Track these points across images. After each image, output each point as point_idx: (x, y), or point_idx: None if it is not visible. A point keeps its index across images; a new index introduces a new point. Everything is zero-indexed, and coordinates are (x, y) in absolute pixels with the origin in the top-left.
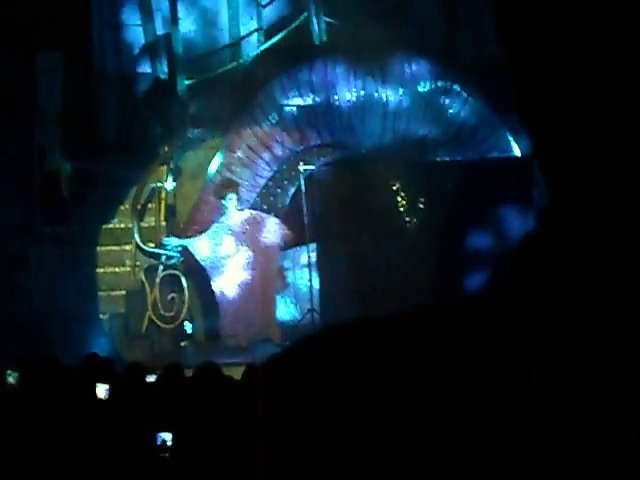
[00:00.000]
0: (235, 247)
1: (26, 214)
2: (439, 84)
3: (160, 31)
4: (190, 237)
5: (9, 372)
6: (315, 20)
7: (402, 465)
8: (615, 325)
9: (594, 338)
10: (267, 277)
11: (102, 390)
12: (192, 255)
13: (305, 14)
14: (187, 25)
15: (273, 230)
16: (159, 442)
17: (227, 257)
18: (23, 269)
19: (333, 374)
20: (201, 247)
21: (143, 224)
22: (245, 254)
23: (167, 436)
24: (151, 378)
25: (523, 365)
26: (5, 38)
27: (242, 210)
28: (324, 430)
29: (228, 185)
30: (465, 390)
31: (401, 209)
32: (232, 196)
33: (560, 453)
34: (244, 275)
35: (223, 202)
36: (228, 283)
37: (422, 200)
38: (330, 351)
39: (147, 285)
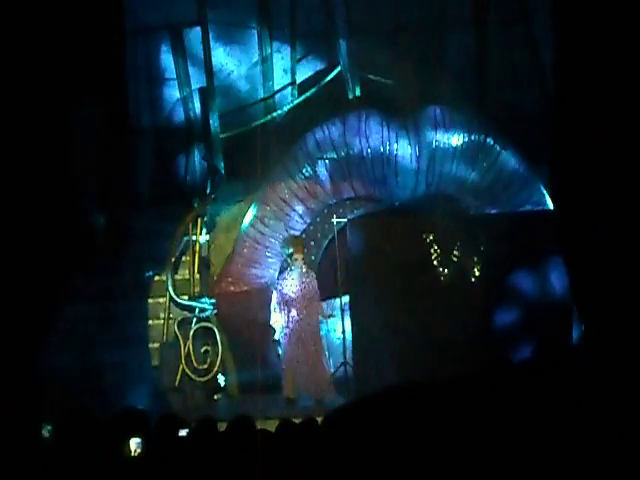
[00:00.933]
0: (294, 303)
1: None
2: (472, 137)
3: (195, 85)
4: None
5: (43, 425)
6: (349, 74)
7: None
8: None
9: None
10: (317, 333)
11: (134, 443)
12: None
13: (339, 68)
14: (221, 79)
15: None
16: None
17: (287, 311)
18: (58, 322)
19: (395, 437)
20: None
21: (177, 277)
22: (302, 309)
23: None
24: (183, 432)
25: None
26: (41, 91)
27: (307, 269)
28: None
29: (294, 243)
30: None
31: (434, 262)
32: (298, 256)
33: None
34: (299, 330)
35: (289, 259)
36: (285, 337)
37: (455, 253)
38: (391, 415)
39: (180, 338)
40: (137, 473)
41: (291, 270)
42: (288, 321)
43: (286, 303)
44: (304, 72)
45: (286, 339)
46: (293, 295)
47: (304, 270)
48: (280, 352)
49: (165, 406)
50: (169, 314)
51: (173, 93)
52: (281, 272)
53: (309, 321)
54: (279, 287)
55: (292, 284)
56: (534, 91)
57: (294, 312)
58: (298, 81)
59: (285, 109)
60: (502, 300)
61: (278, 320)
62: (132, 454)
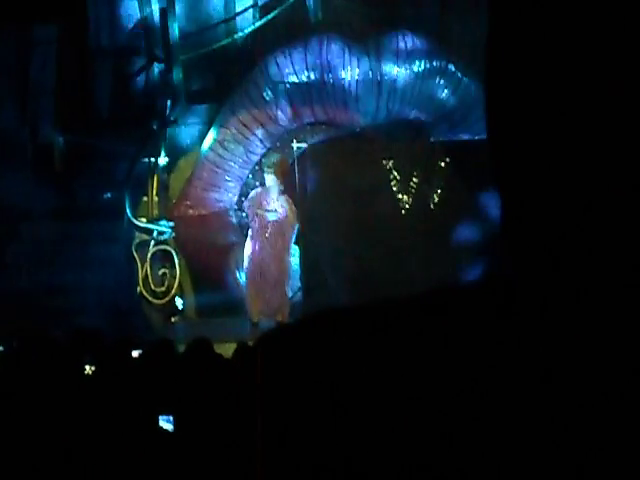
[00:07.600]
0: (263, 220)
1: (18, 188)
2: (434, 64)
3: (155, 5)
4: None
5: None
6: None
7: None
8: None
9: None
10: (282, 253)
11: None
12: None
13: None
14: (183, 0)
15: (288, 207)
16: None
17: (258, 226)
18: (15, 243)
19: (327, 357)
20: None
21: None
22: (268, 228)
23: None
24: (136, 353)
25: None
26: (1, 9)
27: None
28: (320, 410)
29: (278, 163)
30: (463, 382)
31: (393, 188)
32: (278, 177)
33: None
34: (264, 249)
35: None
36: (250, 255)
37: (414, 180)
38: (324, 335)
39: (138, 260)
40: (91, 394)
41: (266, 191)
42: (256, 243)
43: (258, 224)
44: None
45: (252, 262)
46: (266, 217)
47: (280, 192)
48: (242, 275)
49: (124, 328)
50: None
51: (134, 13)
52: (245, 195)
53: (278, 244)
54: (251, 207)
55: (268, 205)
56: None
57: (265, 234)
58: (260, 3)
59: (246, 31)
60: (458, 224)
61: (247, 242)
62: (86, 375)
